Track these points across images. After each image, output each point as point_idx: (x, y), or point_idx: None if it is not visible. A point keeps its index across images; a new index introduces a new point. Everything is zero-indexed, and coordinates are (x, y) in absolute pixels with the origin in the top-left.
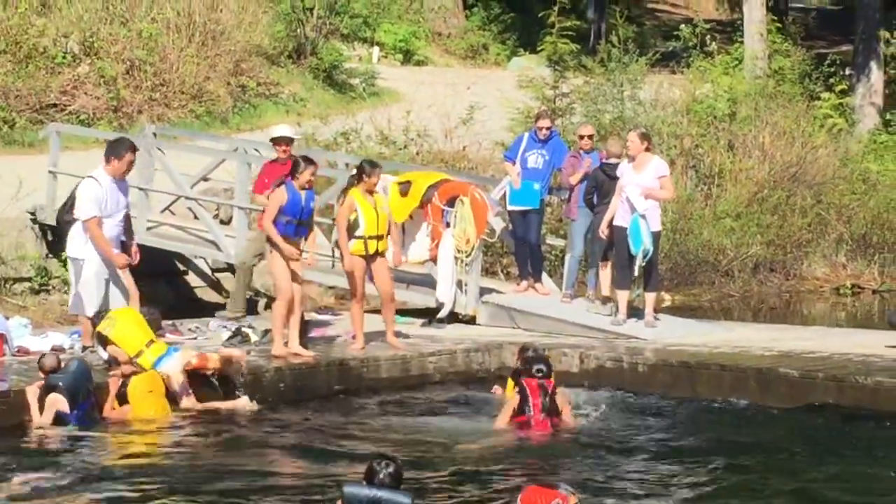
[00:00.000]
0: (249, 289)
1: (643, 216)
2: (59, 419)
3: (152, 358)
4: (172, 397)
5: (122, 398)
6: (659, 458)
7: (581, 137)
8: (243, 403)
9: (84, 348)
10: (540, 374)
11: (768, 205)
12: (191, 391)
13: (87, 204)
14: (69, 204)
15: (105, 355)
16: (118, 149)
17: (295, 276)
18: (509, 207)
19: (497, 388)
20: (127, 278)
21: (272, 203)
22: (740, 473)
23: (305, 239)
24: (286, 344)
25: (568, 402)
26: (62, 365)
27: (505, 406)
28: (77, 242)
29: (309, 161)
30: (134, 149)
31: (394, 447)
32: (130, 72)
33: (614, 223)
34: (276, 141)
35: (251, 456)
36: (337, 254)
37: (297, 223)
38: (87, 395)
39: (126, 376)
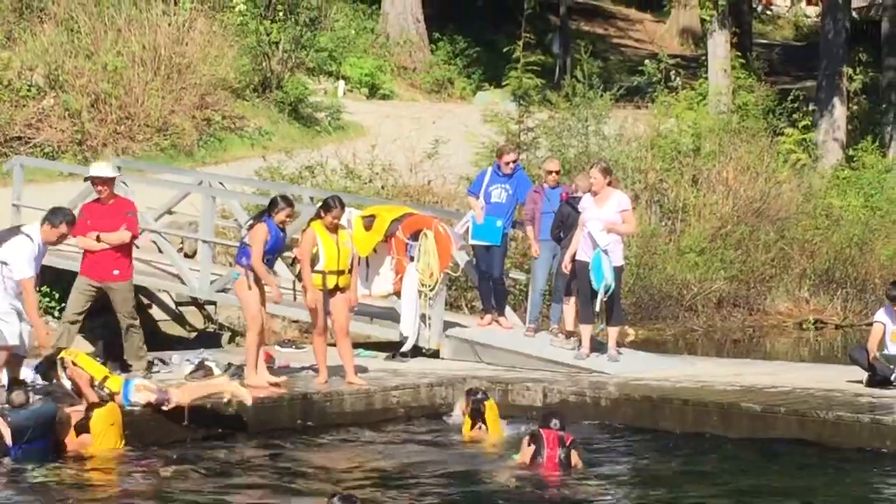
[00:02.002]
0: (213, 323)
1: (605, 251)
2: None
3: (118, 383)
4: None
5: (80, 430)
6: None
7: (549, 173)
8: (225, 382)
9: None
10: (555, 426)
11: (732, 240)
12: (167, 392)
13: (25, 263)
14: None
15: (68, 384)
16: (54, 218)
17: (261, 308)
18: (472, 242)
19: (453, 415)
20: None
21: (257, 240)
22: None
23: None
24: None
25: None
26: (30, 403)
27: (520, 455)
28: None
29: (288, 202)
30: (71, 222)
31: (356, 483)
32: (95, 105)
33: (577, 258)
34: (92, 180)
35: (213, 490)
36: (299, 287)
37: (273, 260)
38: (38, 436)
39: (89, 407)
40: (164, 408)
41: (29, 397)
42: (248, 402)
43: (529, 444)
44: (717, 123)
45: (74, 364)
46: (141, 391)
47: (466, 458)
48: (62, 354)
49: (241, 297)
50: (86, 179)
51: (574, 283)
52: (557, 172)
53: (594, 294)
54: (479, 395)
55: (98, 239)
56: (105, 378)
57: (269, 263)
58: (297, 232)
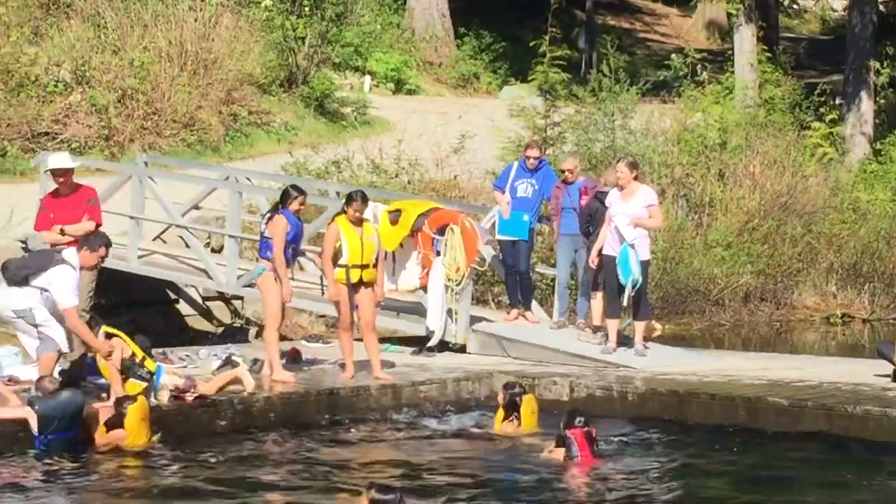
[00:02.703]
0: (240, 317)
1: (632, 245)
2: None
3: (153, 366)
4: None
5: (112, 426)
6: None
7: (562, 171)
8: (242, 372)
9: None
10: (581, 424)
11: (759, 234)
12: (193, 379)
13: (68, 293)
14: (28, 268)
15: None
16: (94, 243)
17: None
18: (498, 237)
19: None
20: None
21: (278, 232)
22: None
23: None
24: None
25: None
26: (59, 393)
27: (550, 456)
28: (24, 297)
29: (299, 190)
30: (108, 245)
31: (384, 477)
32: (122, 100)
33: (603, 252)
34: (53, 172)
35: (241, 485)
36: (325, 282)
37: (294, 249)
38: (64, 427)
39: (118, 402)
40: (188, 396)
41: (59, 388)
42: (249, 389)
43: (558, 446)
44: (743, 118)
45: (118, 336)
46: (170, 375)
47: (496, 452)
48: (103, 328)
49: (265, 292)
50: (45, 172)
51: (601, 277)
52: (571, 172)
53: (621, 289)
54: (517, 390)
55: (62, 232)
56: (144, 358)
57: (293, 254)
58: (324, 226)
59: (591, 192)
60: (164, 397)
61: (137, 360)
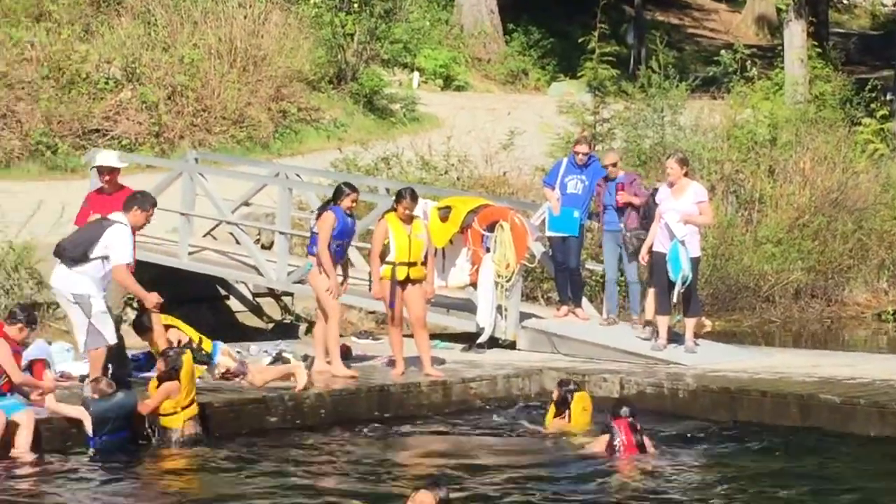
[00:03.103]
0: (290, 314)
1: (682, 242)
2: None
3: (210, 346)
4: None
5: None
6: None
7: (605, 167)
8: (298, 368)
9: (82, 378)
10: (626, 415)
11: (809, 230)
12: (245, 364)
13: (126, 249)
14: (82, 242)
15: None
16: (144, 202)
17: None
18: (548, 233)
19: None
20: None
21: (325, 228)
22: None
23: (343, 264)
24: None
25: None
26: (115, 394)
27: (593, 445)
28: (85, 281)
29: (351, 187)
30: (155, 205)
31: (436, 473)
32: (172, 97)
33: (654, 249)
34: (98, 170)
35: (292, 482)
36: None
37: (344, 246)
38: (119, 427)
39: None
40: (240, 380)
41: (114, 388)
42: (301, 386)
43: (603, 434)
44: (793, 113)
45: (174, 327)
46: (225, 355)
47: (546, 448)
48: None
49: (316, 288)
50: (92, 168)
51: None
52: (615, 165)
53: (671, 285)
54: (571, 386)
55: None
56: (200, 340)
57: (340, 250)
58: (374, 223)
59: (628, 187)
60: (214, 375)
61: (195, 345)
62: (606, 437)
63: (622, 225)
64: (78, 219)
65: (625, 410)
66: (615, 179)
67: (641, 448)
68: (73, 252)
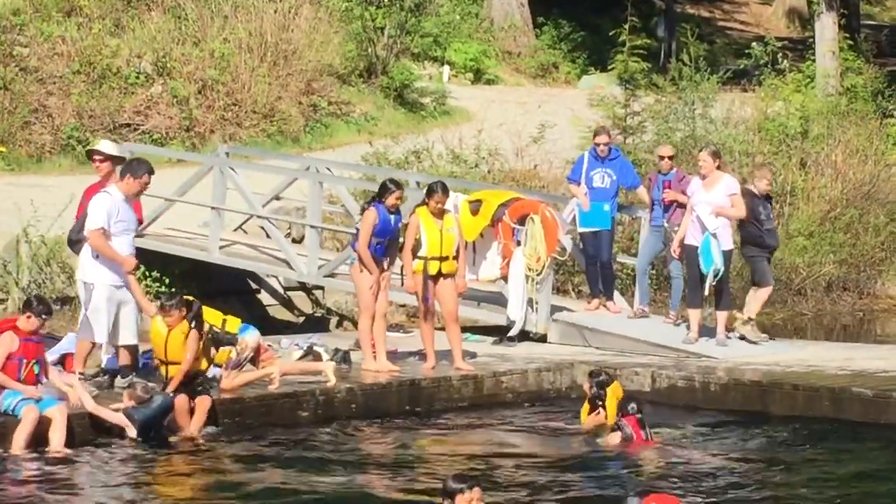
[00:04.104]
0: (321, 307)
1: (714, 235)
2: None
3: (236, 325)
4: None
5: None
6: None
7: (661, 158)
8: (326, 366)
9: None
10: (634, 411)
11: (841, 223)
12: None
13: (97, 215)
14: (78, 225)
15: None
16: (137, 169)
17: (379, 293)
18: (580, 229)
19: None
20: (137, 294)
21: (366, 225)
22: None
23: (391, 260)
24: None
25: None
26: (151, 398)
27: (607, 439)
28: (87, 266)
29: (397, 185)
30: (151, 172)
31: (466, 468)
32: (203, 91)
33: (685, 242)
34: (90, 154)
35: (324, 475)
36: (404, 271)
37: (385, 244)
38: (160, 428)
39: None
40: (262, 364)
41: (150, 392)
42: (331, 381)
43: (614, 431)
44: (825, 106)
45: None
46: (252, 334)
47: (576, 443)
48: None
49: (355, 283)
50: (87, 154)
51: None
52: (670, 158)
53: (703, 278)
54: (602, 378)
55: None
56: (224, 321)
57: (381, 247)
58: (407, 217)
59: (675, 185)
60: (242, 351)
61: (219, 328)
62: (619, 433)
63: (666, 222)
64: (78, 212)
65: (632, 407)
66: (667, 174)
67: (647, 440)
68: (75, 237)
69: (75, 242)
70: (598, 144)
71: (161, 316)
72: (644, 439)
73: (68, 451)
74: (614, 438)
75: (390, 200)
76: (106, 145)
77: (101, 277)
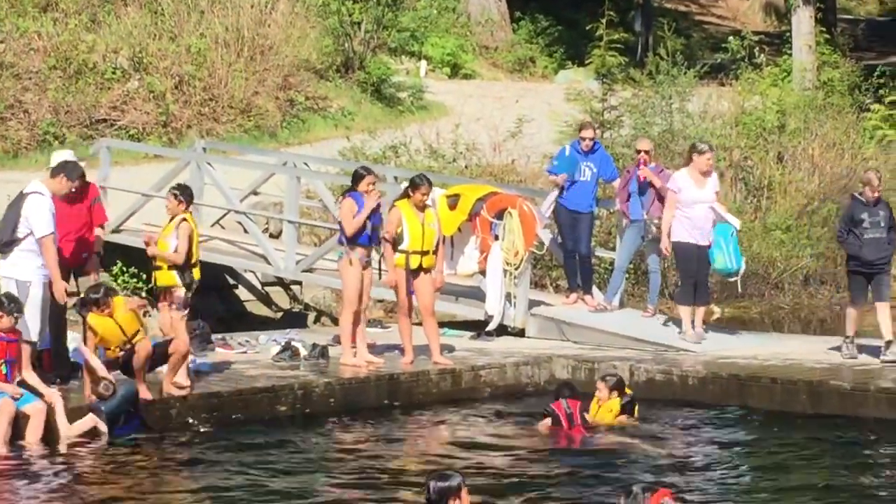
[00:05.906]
0: (298, 303)
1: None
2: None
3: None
4: None
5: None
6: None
7: (638, 152)
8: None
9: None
10: (566, 395)
11: (818, 217)
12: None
13: (45, 220)
14: (7, 224)
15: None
16: (72, 172)
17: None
18: (561, 207)
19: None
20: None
21: (346, 213)
22: None
23: (376, 246)
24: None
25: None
26: (113, 392)
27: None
28: (23, 264)
29: (367, 170)
30: (83, 178)
31: (445, 463)
32: (179, 87)
33: (674, 239)
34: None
35: (302, 470)
36: (384, 266)
37: (370, 231)
38: (129, 417)
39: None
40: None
41: (113, 388)
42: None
43: (544, 419)
44: (801, 100)
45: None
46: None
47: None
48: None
49: (342, 277)
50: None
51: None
52: (647, 152)
53: (702, 275)
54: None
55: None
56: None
57: (366, 237)
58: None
59: (655, 173)
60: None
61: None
62: (549, 420)
63: (645, 214)
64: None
65: (566, 393)
66: (645, 167)
67: (585, 426)
68: (3, 236)
69: (2, 240)
70: (583, 139)
71: (101, 311)
72: (581, 426)
73: (44, 447)
74: (545, 424)
75: (362, 186)
76: (64, 157)
77: (37, 276)
